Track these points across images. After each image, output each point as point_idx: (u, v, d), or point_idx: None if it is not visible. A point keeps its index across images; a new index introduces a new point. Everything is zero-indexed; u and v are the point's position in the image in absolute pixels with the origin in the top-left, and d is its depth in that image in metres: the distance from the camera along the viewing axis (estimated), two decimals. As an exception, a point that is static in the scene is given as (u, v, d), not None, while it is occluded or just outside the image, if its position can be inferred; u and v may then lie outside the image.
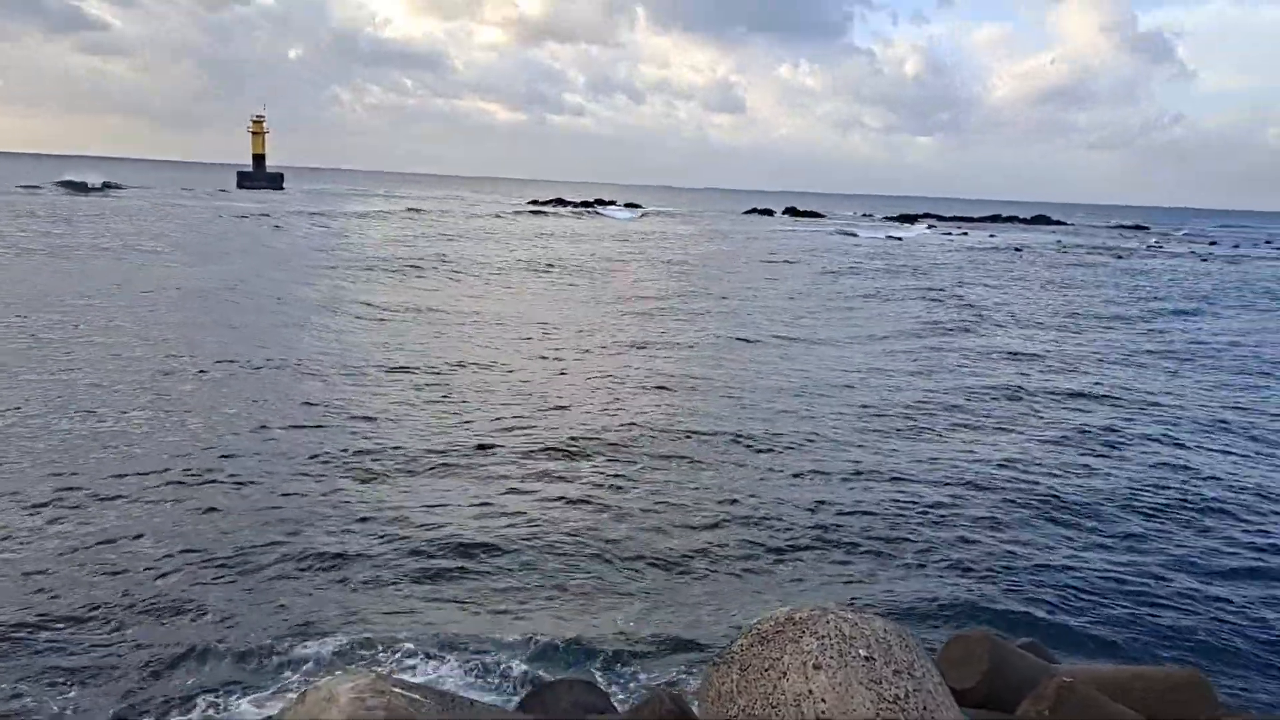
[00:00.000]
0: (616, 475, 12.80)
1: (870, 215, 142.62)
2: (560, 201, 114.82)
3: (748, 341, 24.11)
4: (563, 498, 11.91)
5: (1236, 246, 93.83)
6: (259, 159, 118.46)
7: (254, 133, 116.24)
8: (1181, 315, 34.32)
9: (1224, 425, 17.32)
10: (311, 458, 12.77)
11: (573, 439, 14.38)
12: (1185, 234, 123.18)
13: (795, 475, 13.28)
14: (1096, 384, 20.47)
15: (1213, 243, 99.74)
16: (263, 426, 14.09)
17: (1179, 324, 31.84)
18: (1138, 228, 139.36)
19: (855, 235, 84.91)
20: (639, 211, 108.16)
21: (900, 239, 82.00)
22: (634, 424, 15.40)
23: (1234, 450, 15.69)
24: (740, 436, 14.93)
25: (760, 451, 14.26)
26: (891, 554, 10.71)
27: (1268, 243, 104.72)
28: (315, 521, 10.63)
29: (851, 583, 9.93)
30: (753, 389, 18.52)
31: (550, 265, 41.39)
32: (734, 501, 12.09)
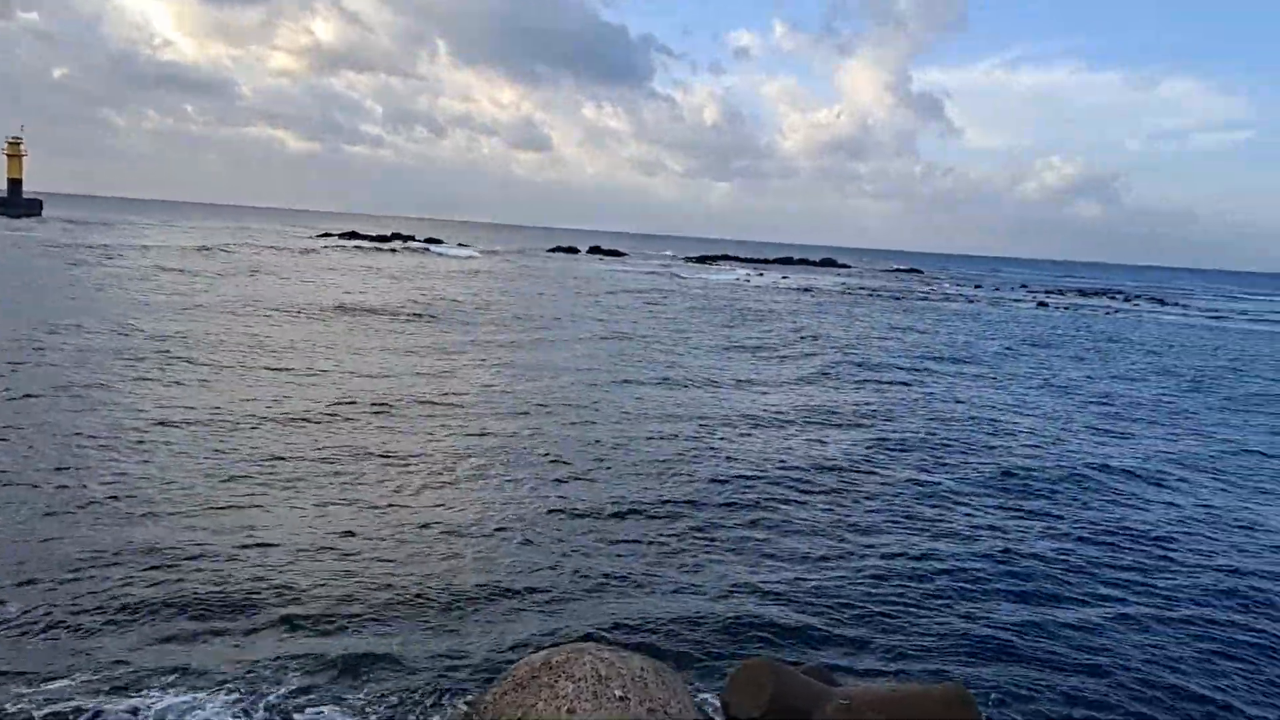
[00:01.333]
0: (399, 519, 11.87)
1: (673, 256, 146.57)
2: (355, 235, 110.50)
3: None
4: (332, 532, 11.27)
5: (997, 290, 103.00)
6: (15, 184, 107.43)
7: (9, 155, 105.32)
8: (1015, 356, 36.89)
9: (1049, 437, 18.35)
10: (78, 506, 11.83)
11: (361, 481, 13.39)
12: (953, 277, 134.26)
13: (599, 507, 12.86)
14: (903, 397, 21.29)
15: (977, 286, 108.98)
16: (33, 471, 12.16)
17: (1013, 365, 34.08)
18: (912, 271, 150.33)
19: (683, 276, 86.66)
20: (452, 247, 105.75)
21: (707, 280, 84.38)
22: (442, 456, 14.46)
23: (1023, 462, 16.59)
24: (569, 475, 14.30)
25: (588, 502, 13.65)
26: (691, 585, 10.85)
27: (1023, 286, 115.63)
28: (72, 567, 10.14)
29: (637, 618, 9.90)
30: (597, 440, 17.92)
31: (382, 307, 38.94)
32: (530, 537, 11.60)
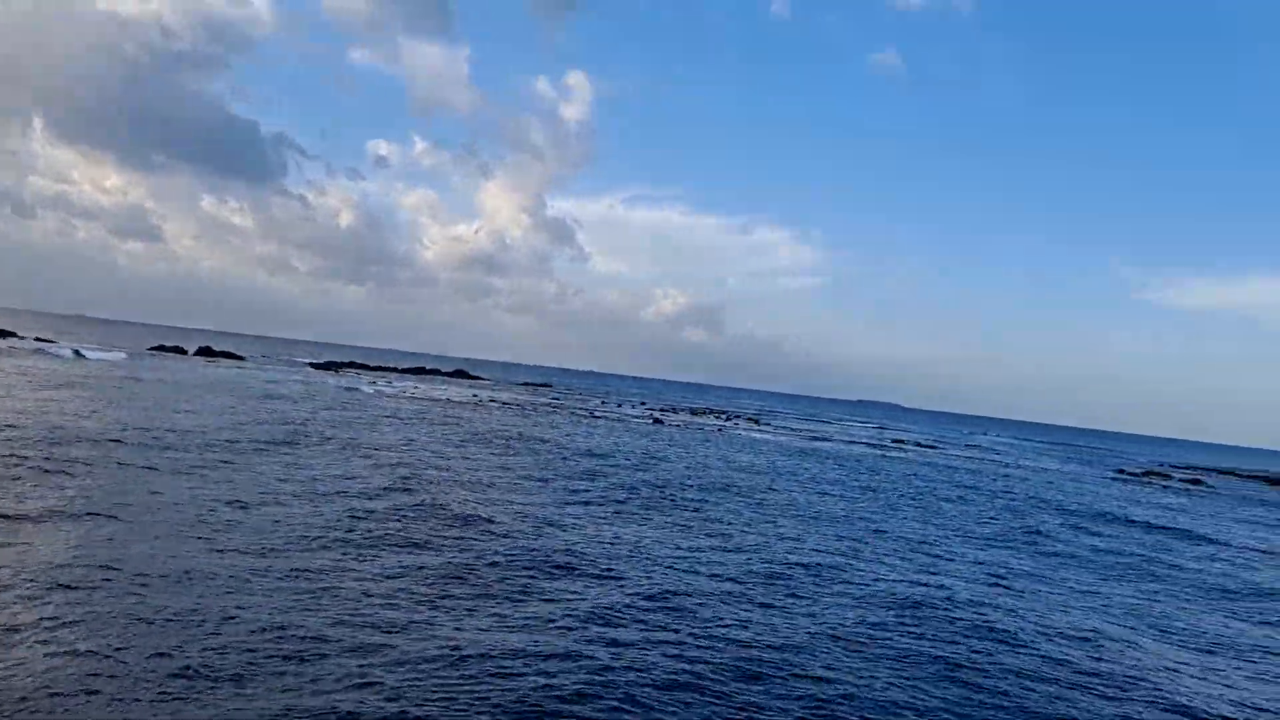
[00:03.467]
0: None
1: (300, 361, 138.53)
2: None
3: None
4: None
5: (620, 405, 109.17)
6: None
7: None
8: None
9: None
10: None
11: None
12: (581, 392, 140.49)
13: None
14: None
15: (602, 401, 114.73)
16: None
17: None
18: (544, 385, 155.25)
19: (315, 383, 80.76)
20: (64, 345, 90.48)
21: (339, 387, 79.88)
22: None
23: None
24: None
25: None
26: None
27: (642, 403, 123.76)
28: None
29: None
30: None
31: None
32: None
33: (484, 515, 23.85)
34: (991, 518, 37.50)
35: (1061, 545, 31.71)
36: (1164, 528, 41.43)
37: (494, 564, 18.58)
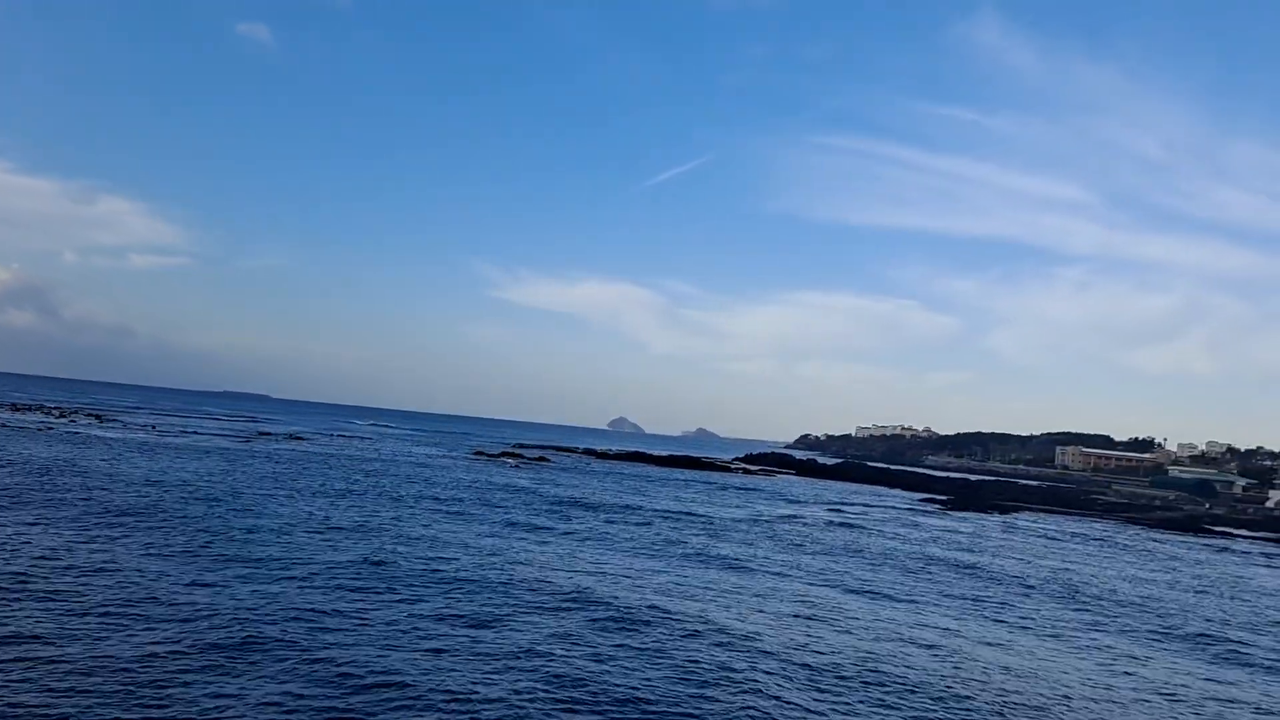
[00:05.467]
0: None
1: None
2: None
3: None
4: None
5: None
6: None
7: None
8: None
9: None
10: None
11: None
12: None
13: None
14: None
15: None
16: None
17: None
18: None
19: None
20: None
21: None
22: None
23: None
24: None
25: None
26: None
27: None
28: None
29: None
30: None
31: None
32: None
33: None
34: (419, 503, 39.03)
35: (486, 518, 35.84)
36: (568, 500, 49.14)
37: None
